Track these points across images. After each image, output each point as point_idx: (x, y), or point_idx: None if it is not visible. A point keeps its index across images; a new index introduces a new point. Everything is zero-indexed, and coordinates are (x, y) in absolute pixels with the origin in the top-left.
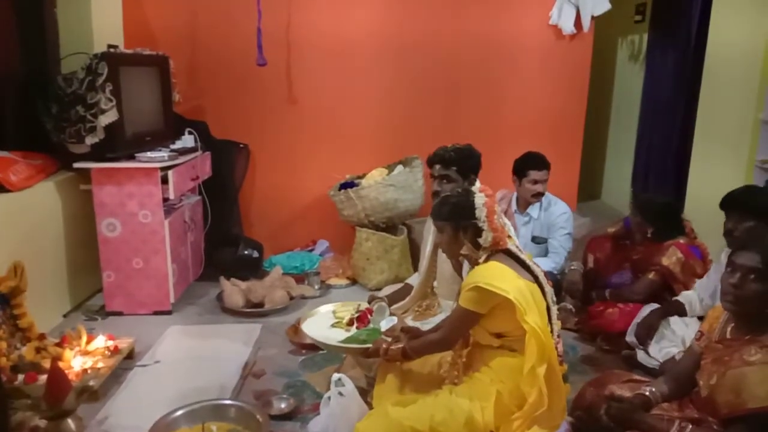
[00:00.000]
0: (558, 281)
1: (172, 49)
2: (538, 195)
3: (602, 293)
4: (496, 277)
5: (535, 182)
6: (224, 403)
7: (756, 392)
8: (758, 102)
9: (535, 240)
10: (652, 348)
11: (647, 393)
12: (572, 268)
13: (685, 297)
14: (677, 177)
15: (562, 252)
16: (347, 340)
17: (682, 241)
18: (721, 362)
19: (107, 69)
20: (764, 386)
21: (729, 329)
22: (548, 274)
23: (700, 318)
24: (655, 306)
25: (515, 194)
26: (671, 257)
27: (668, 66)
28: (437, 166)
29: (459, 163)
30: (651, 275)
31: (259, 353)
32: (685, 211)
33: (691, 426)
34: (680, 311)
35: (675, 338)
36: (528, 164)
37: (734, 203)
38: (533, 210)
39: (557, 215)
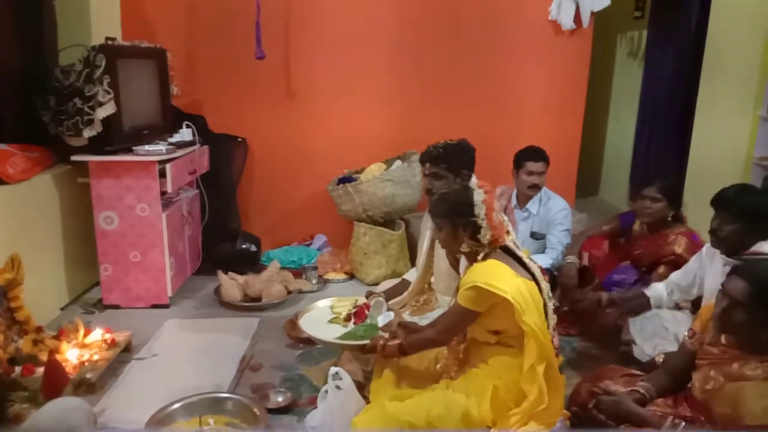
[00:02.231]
0: (554, 277)
1: (170, 42)
2: (534, 187)
3: (607, 297)
4: (495, 276)
5: (531, 173)
6: (221, 396)
7: (754, 408)
8: (757, 99)
9: (534, 236)
10: (646, 345)
11: (641, 390)
12: (569, 261)
13: (653, 291)
14: (676, 173)
15: (559, 248)
16: (345, 336)
17: (683, 229)
18: (719, 370)
19: (105, 61)
20: (763, 402)
21: (724, 335)
22: (545, 271)
23: (695, 305)
24: None
25: (515, 190)
26: (681, 245)
27: (667, 62)
28: (427, 164)
29: (448, 160)
30: (661, 270)
31: (257, 347)
32: (683, 207)
33: (684, 423)
34: (645, 307)
35: (668, 335)
36: (525, 156)
37: (723, 202)
38: (532, 206)
39: (556, 211)
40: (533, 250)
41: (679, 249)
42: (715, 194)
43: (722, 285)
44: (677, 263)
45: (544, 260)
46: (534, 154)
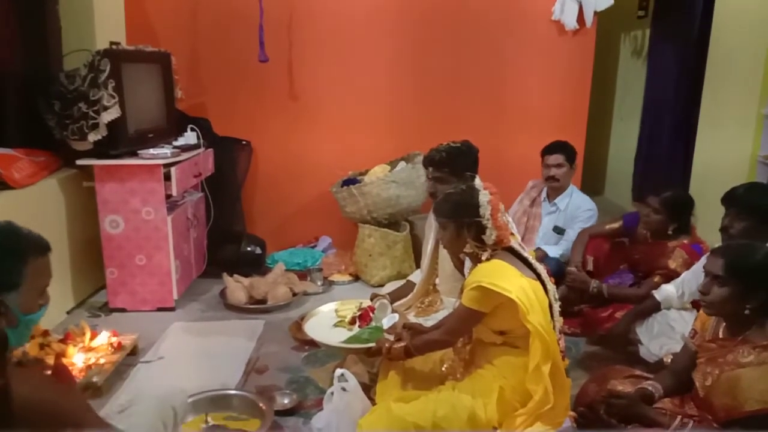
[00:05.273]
0: (562, 268)
1: (174, 46)
2: (552, 179)
3: (595, 286)
4: (499, 276)
5: (548, 166)
6: (227, 393)
7: (751, 394)
8: (761, 97)
9: (555, 229)
10: (652, 344)
11: (649, 388)
12: (570, 269)
13: (662, 293)
14: (680, 173)
15: (572, 240)
16: (350, 340)
17: (685, 241)
18: (714, 363)
19: (109, 66)
20: (759, 387)
21: (721, 328)
22: (551, 261)
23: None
24: None
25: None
26: (677, 259)
27: (671, 61)
28: (430, 168)
29: (450, 164)
30: (656, 279)
31: (262, 349)
32: (693, 218)
33: (692, 422)
34: (653, 310)
35: (674, 334)
36: (544, 149)
37: (734, 200)
38: (561, 201)
39: (582, 210)
40: (553, 243)
41: (673, 264)
42: (726, 192)
43: (704, 265)
44: (671, 277)
45: (555, 250)
46: (551, 146)
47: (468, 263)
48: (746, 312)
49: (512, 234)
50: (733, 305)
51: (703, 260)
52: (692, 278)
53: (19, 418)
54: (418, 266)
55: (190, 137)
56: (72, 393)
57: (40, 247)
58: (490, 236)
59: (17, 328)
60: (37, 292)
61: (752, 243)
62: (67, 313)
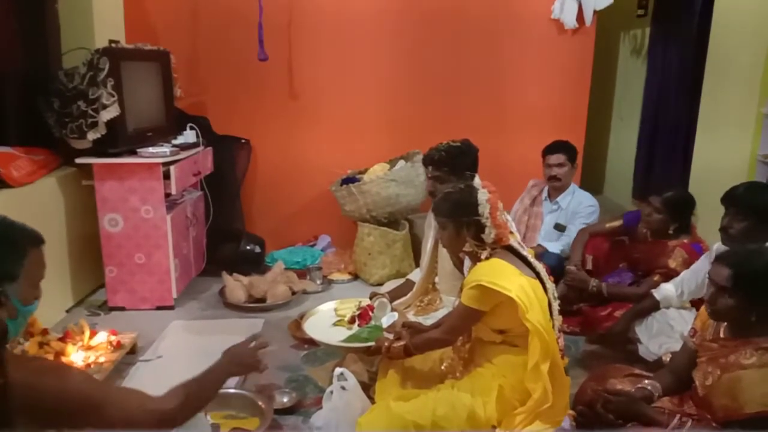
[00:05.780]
0: (562, 263)
1: (174, 44)
2: (554, 179)
3: (594, 285)
4: (498, 274)
5: (549, 166)
6: (226, 392)
7: (752, 396)
8: (761, 96)
9: (557, 227)
10: (651, 343)
11: (648, 387)
12: (570, 268)
13: (661, 292)
14: (680, 172)
15: (573, 236)
16: (349, 339)
17: (685, 240)
18: (716, 363)
19: (108, 64)
20: (760, 389)
21: (723, 328)
22: (552, 256)
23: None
24: None
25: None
26: (677, 259)
27: (670, 60)
28: (429, 168)
29: (450, 163)
30: (656, 278)
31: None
32: (694, 217)
33: (691, 421)
34: (653, 309)
35: (674, 333)
36: (545, 149)
37: (734, 199)
38: (563, 199)
39: (584, 206)
40: (555, 240)
41: (673, 263)
42: (726, 191)
43: (709, 273)
44: (670, 276)
45: (555, 246)
46: (551, 146)
47: (467, 262)
48: (753, 319)
49: (511, 232)
50: (740, 313)
51: (703, 259)
52: (691, 277)
53: (27, 408)
54: (417, 265)
55: (189, 136)
56: (77, 371)
57: (35, 239)
58: (489, 235)
59: (16, 319)
60: (34, 284)
61: (757, 249)
62: (67, 311)
